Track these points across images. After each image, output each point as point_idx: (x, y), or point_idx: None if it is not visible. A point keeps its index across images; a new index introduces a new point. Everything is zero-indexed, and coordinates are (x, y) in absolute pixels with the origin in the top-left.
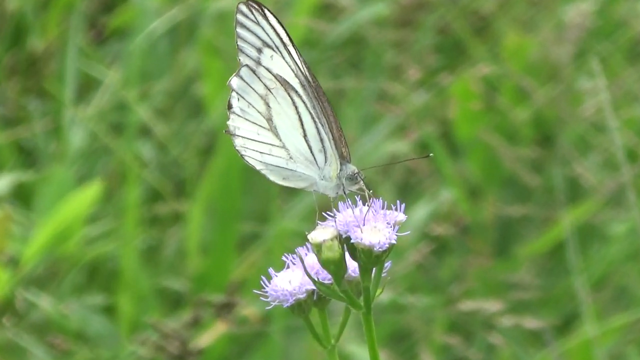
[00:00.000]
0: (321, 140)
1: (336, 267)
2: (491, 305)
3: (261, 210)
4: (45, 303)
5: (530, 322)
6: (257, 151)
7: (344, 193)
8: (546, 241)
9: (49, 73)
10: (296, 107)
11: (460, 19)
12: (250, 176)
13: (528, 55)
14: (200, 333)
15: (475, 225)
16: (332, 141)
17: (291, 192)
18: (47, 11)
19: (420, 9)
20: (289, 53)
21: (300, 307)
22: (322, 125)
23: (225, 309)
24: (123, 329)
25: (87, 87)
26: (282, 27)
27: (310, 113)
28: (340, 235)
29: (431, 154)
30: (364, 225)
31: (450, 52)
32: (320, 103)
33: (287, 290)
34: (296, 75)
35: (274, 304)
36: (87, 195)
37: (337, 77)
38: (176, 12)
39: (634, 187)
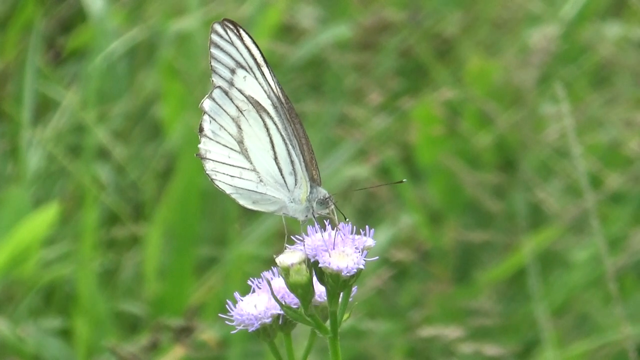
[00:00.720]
0: (292, 162)
1: (304, 291)
2: (451, 332)
3: (219, 234)
4: (1, 326)
5: (491, 349)
6: (227, 175)
7: (313, 216)
8: (507, 267)
9: (7, 94)
10: (267, 129)
11: (423, 42)
12: (209, 200)
13: (491, 80)
14: (158, 357)
15: (436, 250)
16: (302, 163)
17: (250, 216)
18: (4, 32)
19: (382, 32)
20: (263, 74)
21: (265, 332)
22: (293, 147)
23: (183, 333)
24: (80, 353)
25: (45, 108)
26: (257, 47)
27: (282, 135)
28: (309, 259)
29: (404, 180)
30: (332, 249)
31: (413, 75)
32: (292, 125)
33: (252, 314)
34: (269, 97)
35: (239, 328)
36: (45, 217)
37: (297, 100)
38: (135, 33)
39: (596, 213)
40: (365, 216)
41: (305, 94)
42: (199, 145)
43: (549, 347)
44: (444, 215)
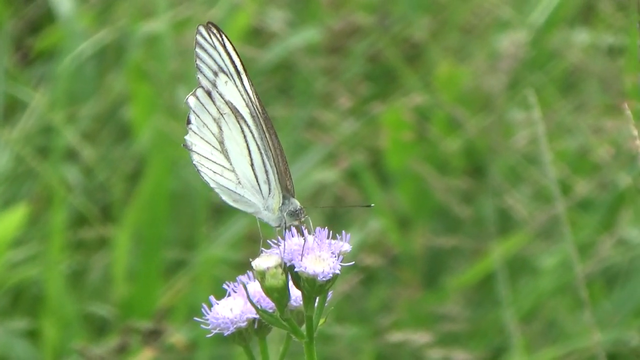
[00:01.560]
0: (266, 172)
1: (279, 295)
2: (420, 337)
3: (188, 236)
4: None
5: (460, 355)
6: (210, 170)
7: (285, 226)
8: (475, 273)
9: None
10: (245, 136)
11: (391, 46)
12: (177, 202)
13: (460, 85)
14: (125, 359)
15: (405, 255)
16: (276, 174)
17: (218, 219)
18: None
19: (351, 36)
20: (242, 82)
21: (241, 336)
22: (268, 158)
23: (152, 336)
24: (47, 355)
25: (12, 109)
26: (238, 56)
27: (257, 144)
28: (285, 264)
29: (372, 205)
30: (308, 254)
31: (381, 80)
32: (268, 135)
33: (228, 318)
34: (247, 105)
35: (214, 331)
36: (13, 219)
37: (266, 103)
38: (104, 34)
39: (566, 220)
40: (333, 221)
41: (274, 97)
42: (185, 137)
43: (517, 353)
44: (413, 221)
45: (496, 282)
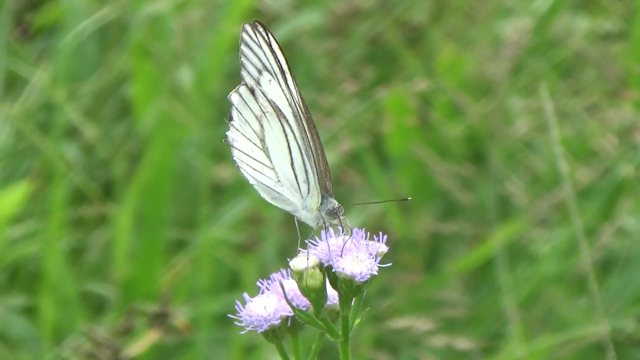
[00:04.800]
0: (306, 171)
1: (317, 295)
2: (421, 324)
3: (188, 217)
4: None
5: (461, 342)
6: (250, 167)
7: (324, 225)
8: (475, 258)
9: None
10: (286, 135)
11: (392, 29)
12: (178, 183)
13: (463, 71)
14: (129, 341)
15: (405, 240)
16: (316, 175)
17: (219, 201)
18: None
19: (352, 18)
20: (286, 81)
21: (274, 333)
22: (309, 158)
23: (158, 318)
24: (45, 332)
25: (11, 84)
26: (283, 55)
27: (298, 144)
28: (322, 264)
29: (409, 198)
30: (345, 255)
31: (382, 62)
32: (309, 136)
33: (262, 316)
34: (290, 105)
35: (247, 329)
36: (13, 196)
37: None
38: (106, 12)
39: (569, 207)
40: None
41: None
42: (227, 133)
43: (515, 340)
44: (414, 205)
45: (495, 268)
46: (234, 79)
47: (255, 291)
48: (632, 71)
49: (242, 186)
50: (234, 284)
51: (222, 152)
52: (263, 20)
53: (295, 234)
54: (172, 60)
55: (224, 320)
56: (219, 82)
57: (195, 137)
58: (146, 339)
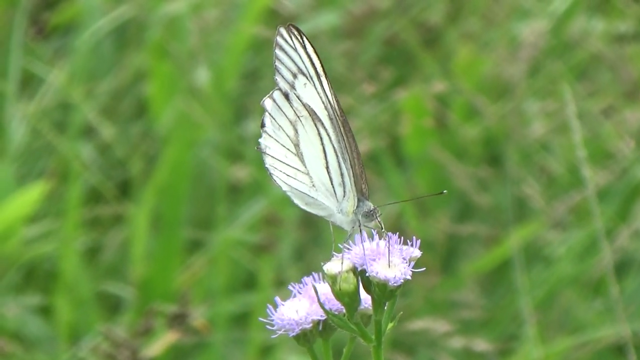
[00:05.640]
0: (342, 174)
1: (350, 300)
2: (439, 326)
3: (205, 217)
4: None
5: (480, 344)
6: (284, 173)
7: (360, 229)
8: (491, 260)
9: None
10: (321, 139)
11: (408, 29)
12: (195, 183)
13: (480, 72)
14: (147, 341)
15: (422, 241)
16: (352, 177)
17: (236, 201)
18: None
19: (369, 19)
20: (322, 84)
21: (305, 337)
22: (345, 161)
23: (177, 319)
24: (61, 332)
25: (26, 83)
26: (318, 57)
27: (334, 147)
28: (356, 268)
29: (444, 191)
30: (379, 259)
31: (399, 62)
32: (345, 138)
33: (293, 319)
34: (325, 108)
35: (279, 332)
36: (30, 196)
37: None
38: (122, 11)
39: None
40: None
41: None
42: (260, 140)
43: (531, 342)
44: (430, 206)
45: (511, 270)
46: (251, 79)
47: (271, 292)
48: None
49: (258, 186)
50: (251, 284)
51: (238, 152)
52: (280, 21)
53: (310, 234)
54: (189, 59)
55: (241, 321)
56: (235, 81)
57: (212, 137)
58: (165, 340)
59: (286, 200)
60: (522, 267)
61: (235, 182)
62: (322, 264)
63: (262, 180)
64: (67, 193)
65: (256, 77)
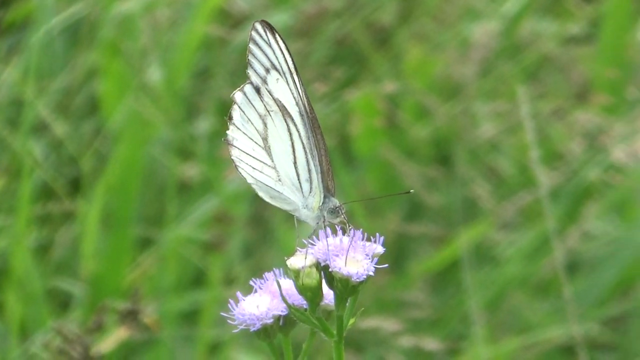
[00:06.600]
0: (309, 170)
1: (313, 294)
2: (389, 325)
3: (155, 215)
4: None
5: (429, 343)
6: (250, 165)
7: (324, 224)
8: (440, 260)
9: None
10: (290, 134)
11: (360, 30)
12: (147, 180)
13: (431, 73)
14: (99, 338)
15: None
16: (319, 174)
17: (187, 199)
18: None
19: (321, 19)
20: (294, 81)
21: (266, 332)
22: (313, 157)
23: (130, 315)
24: (13, 328)
25: None
26: (290, 54)
27: (303, 143)
28: (319, 263)
29: (412, 190)
30: (343, 255)
31: (350, 62)
32: (314, 135)
33: (254, 314)
34: (297, 104)
35: (240, 327)
36: None
37: (234, 85)
38: (76, 9)
39: (529, 210)
40: None
41: (242, 78)
42: (227, 132)
43: (479, 342)
44: (380, 206)
45: (461, 270)
46: (202, 77)
47: (220, 290)
48: (598, 75)
49: (209, 185)
50: (200, 281)
51: (189, 150)
52: (232, 21)
53: (260, 232)
54: (141, 58)
55: (190, 318)
56: (187, 80)
57: (164, 135)
58: (116, 336)
59: (236, 198)
60: (471, 267)
61: (185, 180)
62: (286, 258)
63: (213, 179)
64: (18, 189)
65: (207, 76)
